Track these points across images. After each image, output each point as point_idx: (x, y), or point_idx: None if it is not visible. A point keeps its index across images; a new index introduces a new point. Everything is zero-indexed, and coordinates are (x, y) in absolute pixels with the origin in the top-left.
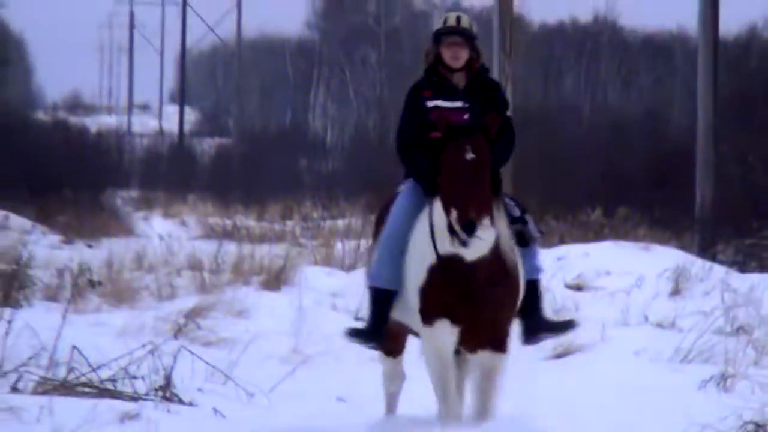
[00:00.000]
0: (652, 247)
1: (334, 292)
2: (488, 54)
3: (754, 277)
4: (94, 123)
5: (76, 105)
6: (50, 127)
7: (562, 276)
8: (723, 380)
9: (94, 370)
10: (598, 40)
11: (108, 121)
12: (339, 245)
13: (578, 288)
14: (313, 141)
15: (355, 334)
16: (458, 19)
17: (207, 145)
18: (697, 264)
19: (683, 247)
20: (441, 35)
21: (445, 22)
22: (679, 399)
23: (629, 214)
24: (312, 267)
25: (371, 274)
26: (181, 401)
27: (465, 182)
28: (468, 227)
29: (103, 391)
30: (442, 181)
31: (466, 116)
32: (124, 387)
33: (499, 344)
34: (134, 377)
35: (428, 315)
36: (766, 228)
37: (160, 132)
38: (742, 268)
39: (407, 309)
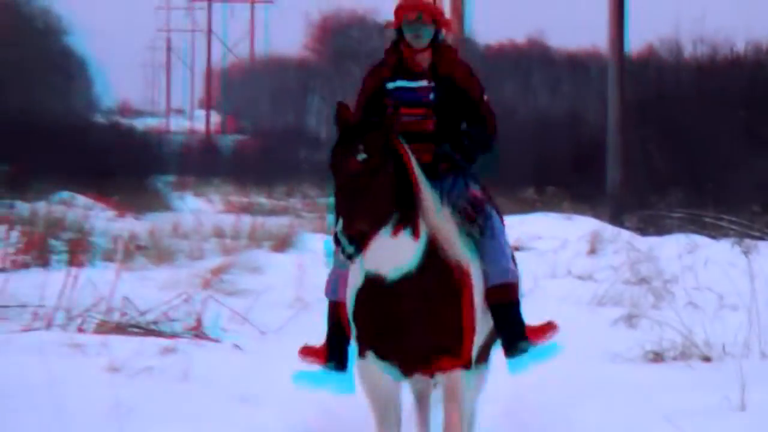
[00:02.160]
0: (574, 216)
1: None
2: None
3: (652, 240)
4: (141, 124)
5: (126, 110)
6: (106, 128)
7: None
8: (629, 319)
9: (141, 314)
10: (530, 57)
11: (151, 122)
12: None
13: (516, 249)
14: (309, 136)
15: (305, 378)
16: None
17: (228, 141)
18: (608, 229)
19: (597, 217)
20: (402, 12)
21: None
22: (595, 334)
23: (555, 191)
24: (310, 233)
25: (326, 286)
26: (208, 338)
27: (354, 188)
28: (354, 240)
29: (148, 331)
30: (334, 185)
31: (431, 95)
32: (165, 327)
33: (454, 360)
34: (172, 320)
35: (359, 345)
36: (661, 201)
37: (192, 131)
38: (643, 232)
39: None
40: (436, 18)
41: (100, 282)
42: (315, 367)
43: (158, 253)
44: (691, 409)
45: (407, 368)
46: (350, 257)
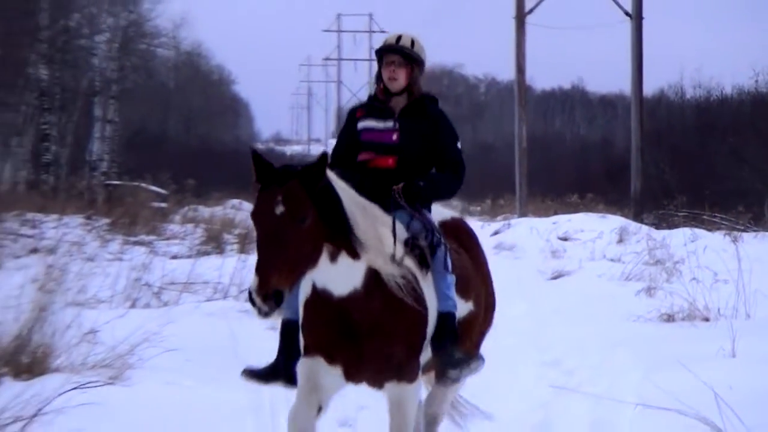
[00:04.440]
0: (607, 215)
1: None
2: (510, 108)
3: (665, 232)
4: (289, 150)
5: (278, 139)
6: (264, 152)
7: (556, 232)
8: (648, 291)
9: None
10: (573, 98)
11: (296, 148)
12: None
13: (565, 239)
14: None
15: (253, 374)
16: (399, 37)
17: None
18: (632, 225)
19: (624, 216)
20: (382, 54)
21: (385, 41)
22: (623, 302)
23: (593, 197)
24: None
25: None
26: None
27: (270, 244)
28: (269, 298)
29: None
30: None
31: (394, 137)
32: None
33: (401, 375)
34: None
35: (307, 350)
36: (670, 204)
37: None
38: (658, 227)
39: None
40: (413, 65)
41: None
42: (263, 364)
43: None
44: (695, 356)
45: (353, 375)
46: (266, 315)
